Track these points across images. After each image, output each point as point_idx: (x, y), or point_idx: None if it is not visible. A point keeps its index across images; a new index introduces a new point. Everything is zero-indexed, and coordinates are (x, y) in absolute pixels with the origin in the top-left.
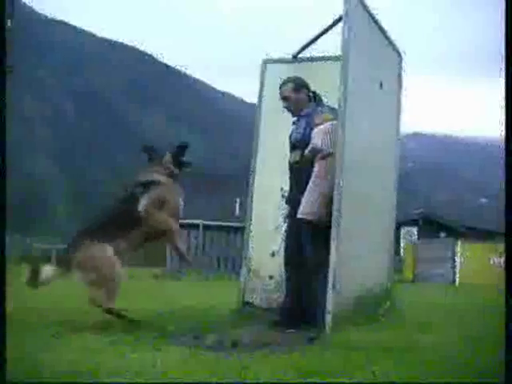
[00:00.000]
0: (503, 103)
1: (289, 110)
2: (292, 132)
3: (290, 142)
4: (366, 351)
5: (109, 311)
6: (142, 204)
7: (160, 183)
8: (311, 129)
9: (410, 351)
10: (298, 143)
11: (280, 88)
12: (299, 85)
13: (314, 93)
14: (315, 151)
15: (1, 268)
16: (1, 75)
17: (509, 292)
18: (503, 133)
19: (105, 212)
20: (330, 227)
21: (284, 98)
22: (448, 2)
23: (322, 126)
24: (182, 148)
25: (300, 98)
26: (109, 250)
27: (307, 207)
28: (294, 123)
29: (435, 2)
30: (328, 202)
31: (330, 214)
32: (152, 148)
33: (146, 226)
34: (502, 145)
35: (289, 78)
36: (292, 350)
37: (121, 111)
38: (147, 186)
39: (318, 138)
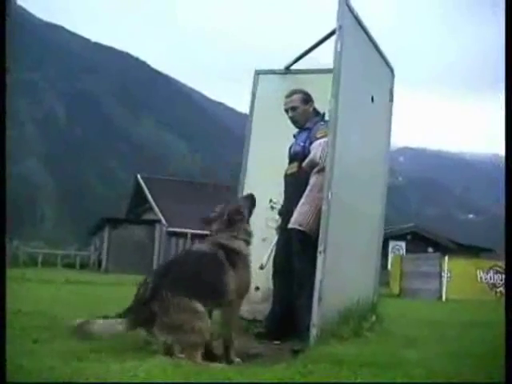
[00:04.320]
0: (503, 118)
1: (293, 120)
2: (292, 144)
3: (290, 155)
4: (349, 365)
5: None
6: (229, 287)
7: (245, 258)
8: (311, 142)
9: (394, 366)
10: (297, 156)
11: (287, 97)
12: (308, 96)
13: (315, 108)
14: (312, 164)
15: (1, 270)
16: (1, 76)
17: (509, 307)
18: (494, 149)
19: (186, 264)
20: None
21: (292, 108)
22: (429, 17)
23: (321, 140)
24: (253, 202)
25: (306, 110)
26: (199, 304)
27: (299, 218)
28: (294, 136)
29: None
30: (320, 214)
31: None
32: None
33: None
34: (491, 161)
35: (296, 89)
36: (275, 363)
37: (112, 116)
38: (231, 254)
39: (316, 151)
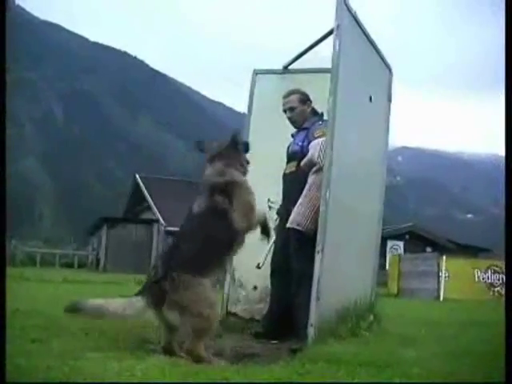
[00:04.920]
0: (503, 118)
1: (291, 121)
2: (290, 144)
3: (288, 154)
4: (347, 365)
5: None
6: (237, 221)
7: (243, 185)
8: (309, 142)
9: (392, 366)
10: (295, 155)
11: (284, 98)
12: (305, 96)
13: (313, 108)
14: (310, 164)
15: (1, 270)
16: (1, 76)
17: (509, 307)
18: (493, 149)
19: (191, 234)
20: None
21: (289, 109)
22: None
23: (319, 140)
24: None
25: (304, 110)
26: (209, 285)
27: (297, 217)
28: (292, 136)
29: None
30: (318, 214)
31: None
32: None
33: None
34: (489, 160)
35: (294, 89)
36: (273, 362)
37: (110, 116)
38: (229, 189)
39: (314, 150)
